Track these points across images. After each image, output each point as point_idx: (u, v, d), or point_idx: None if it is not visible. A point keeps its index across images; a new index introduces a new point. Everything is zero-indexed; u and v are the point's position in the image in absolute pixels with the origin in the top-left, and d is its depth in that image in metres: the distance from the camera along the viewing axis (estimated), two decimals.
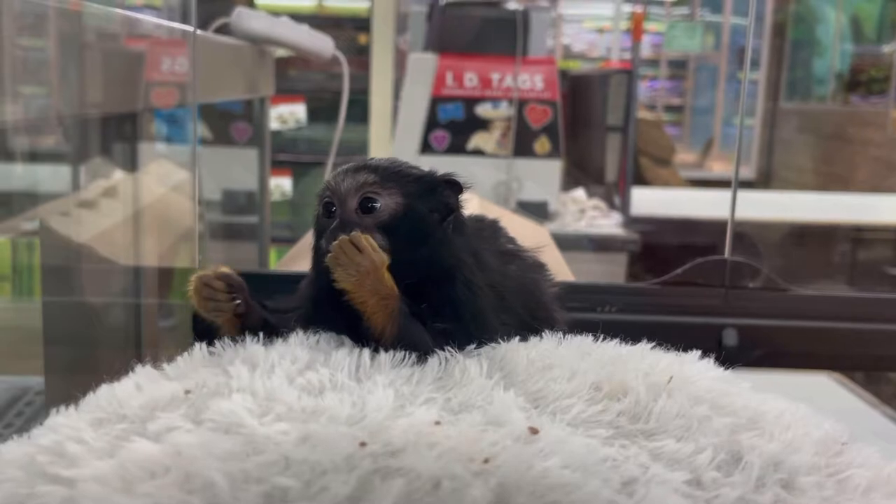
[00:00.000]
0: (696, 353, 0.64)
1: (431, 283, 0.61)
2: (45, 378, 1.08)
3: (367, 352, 0.59)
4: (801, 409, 0.57)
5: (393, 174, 0.63)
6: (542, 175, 2.77)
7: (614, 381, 0.56)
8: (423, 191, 0.63)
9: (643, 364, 0.59)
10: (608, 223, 2.78)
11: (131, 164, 1.28)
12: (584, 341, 0.65)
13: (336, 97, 1.99)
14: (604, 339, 0.66)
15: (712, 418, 0.53)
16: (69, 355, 1.08)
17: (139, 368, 0.56)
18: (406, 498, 0.41)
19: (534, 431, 0.49)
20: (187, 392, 0.52)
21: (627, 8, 5.22)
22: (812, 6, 4.91)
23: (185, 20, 1.26)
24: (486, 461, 0.45)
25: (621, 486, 0.45)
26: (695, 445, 0.50)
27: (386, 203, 0.61)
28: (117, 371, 0.58)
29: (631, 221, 2.80)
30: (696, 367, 0.61)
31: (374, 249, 0.58)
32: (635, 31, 2.98)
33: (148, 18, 1.23)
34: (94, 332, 1.13)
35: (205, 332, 0.63)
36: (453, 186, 0.65)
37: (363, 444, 0.45)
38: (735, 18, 5.34)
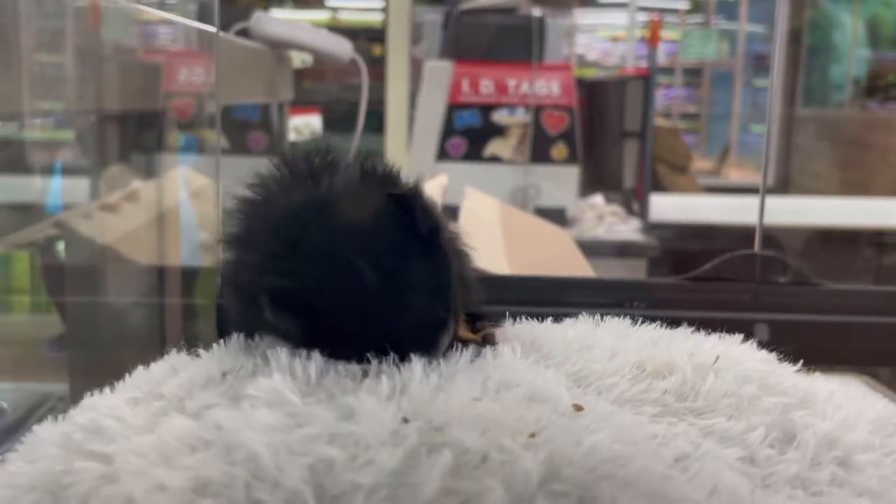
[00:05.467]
0: (738, 337, 0.62)
1: None
2: (69, 381, 1.08)
3: None
4: (852, 389, 0.55)
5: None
6: (559, 181, 2.76)
7: (658, 360, 0.54)
8: None
9: (687, 345, 0.58)
10: (627, 229, 2.76)
11: (154, 171, 1.28)
12: (621, 323, 0.63)
13: (351, 108, 1.99)
14: (641, 323, 0.64)
15: (762, 398, 0.51)
16: (93, 358, 1.08)
17: (173, 353, 0.56)
18: (455, 471, 0.40)
19: (578, 408, 0.48)
20: (224, 374, 0.51)
21: (641, 17, 5.21)
22: (828, 12, 4.89)
23: (200, 34, 1.26)
24: (532, 436, 0.44)
25: (674, 461, 0.43)
26: (746, 423, 0.49)
27: None
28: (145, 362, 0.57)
29: (650, 227, 2.78)
30: (740, 349, 0.59)
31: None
32: (652, 37, 2.97)
33: (173, 17, 1.24)
34: (118, 335, 1.13)
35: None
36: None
37: (406, 421, 0.44)
38: (750, 26, 5.32)
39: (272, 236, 0.46)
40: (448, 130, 2.76)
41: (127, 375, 0.52)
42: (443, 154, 2.77)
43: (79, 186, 1.20)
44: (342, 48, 1.82)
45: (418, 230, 0.45)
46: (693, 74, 5.52)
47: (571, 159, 2.77)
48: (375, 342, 0.46)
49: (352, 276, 0.44)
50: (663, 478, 0.42)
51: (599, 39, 5.55)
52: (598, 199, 2.93)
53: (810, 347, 1.12)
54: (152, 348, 1.17)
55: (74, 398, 1.03)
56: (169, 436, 0.42)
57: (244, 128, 2.78)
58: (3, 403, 1.11)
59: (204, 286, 1.26)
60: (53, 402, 1.14)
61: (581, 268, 1.55)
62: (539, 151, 2.75)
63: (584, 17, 5.37)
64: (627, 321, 0.64)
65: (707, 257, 1.16)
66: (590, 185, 3.01)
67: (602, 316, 0.66)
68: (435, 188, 1.91)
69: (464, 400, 0.47)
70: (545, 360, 0.57)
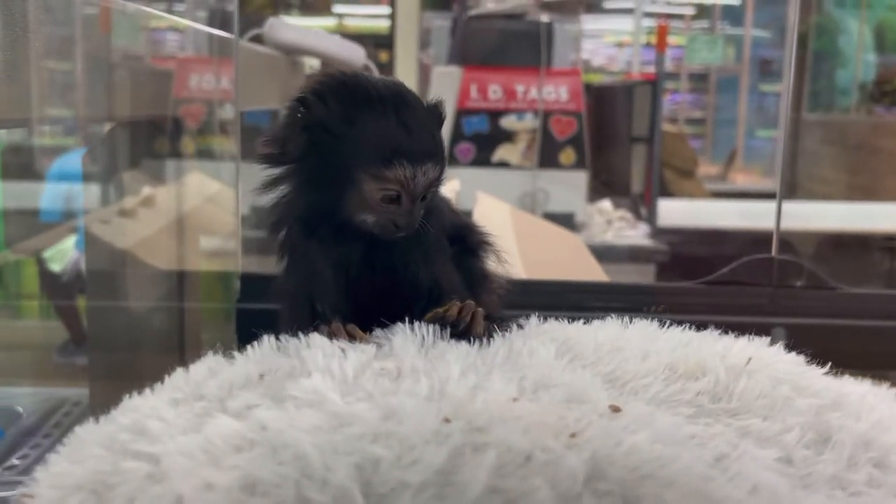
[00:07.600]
0: (766, 339, 0.63)
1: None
2: (89, 383, 1.08)
3: (429, 339, 0.57)
4: (883, 390, 0.55)
5: (441, 154, 0.63)
6: (567, 186, 2.76)
7: (690, 362, 0.55)
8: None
9: (717, 346, 0.58)
10: (635, 234, 2.76)
11: (170, 176, 1.29)
12: (649, 325, 0.63)
13: None
14: (668, 325, 0.64)
15: (795, 399, 0.52)
16: (113, 360, 1.08)
17: (210, 355, 0.56)
18: (499, 470, 0.40)
19: (615, 410, 0.49)
20: (261, 375, 0.51)
21: (647, 23, 5.22)
22: (835, 17, 4.89)
23: (211, 41, 1.27)
24: (572, 436, 0.44)
25: (714, 461, 0.44)
26: (782, 424, 0.49)
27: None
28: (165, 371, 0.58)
29: (658, 232, 2.78)
30: (770, 351, 0.59)
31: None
32: (660, 42, 2.98)
33: (194, 25, 1.24)
34: (137, 338, 1.14)
35: (249, 337, 0.62)
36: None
37: (447, 421, 0.44)
38: (756, 31, 5.32)
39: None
40: (457, 136, 2.77)
41: (166, 377, 0.52)
42: (451, 159, 2.77)
43: (91, 192, 1.21)
44: (355, 54, 1.83)
45: (429, 108, 0.64)
46: (699, 79, 5.53)
47: (580, 164, 2.77)
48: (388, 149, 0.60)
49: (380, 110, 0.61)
50: (705, 478, 0.42)
51: (605, 45, 5.56)
52: (606, 203, 2.93)
53: (827, 351, 1.13)
54: (170, 351, 1.18)
55: (94, 401, 1.04)
56: (214, 436, 0.43)
57: (254, 134, 2.78)
58: (19, 408, 1.12)
59: (221, 291, 1.27)
60: (69, 406, 1.15)
61: (594, 271, 1.56)
62: (547, 156, 2.75)
63: (590, 22, 5.38)
64: (655, 324, 0.65)
65: (716, 261, 1.16)
66: (598, 190, 3.01)
67: (630, 319, 0.66)
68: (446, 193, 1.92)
69: (502, 399, 0.47)
70: (578, 360, 0.57)
